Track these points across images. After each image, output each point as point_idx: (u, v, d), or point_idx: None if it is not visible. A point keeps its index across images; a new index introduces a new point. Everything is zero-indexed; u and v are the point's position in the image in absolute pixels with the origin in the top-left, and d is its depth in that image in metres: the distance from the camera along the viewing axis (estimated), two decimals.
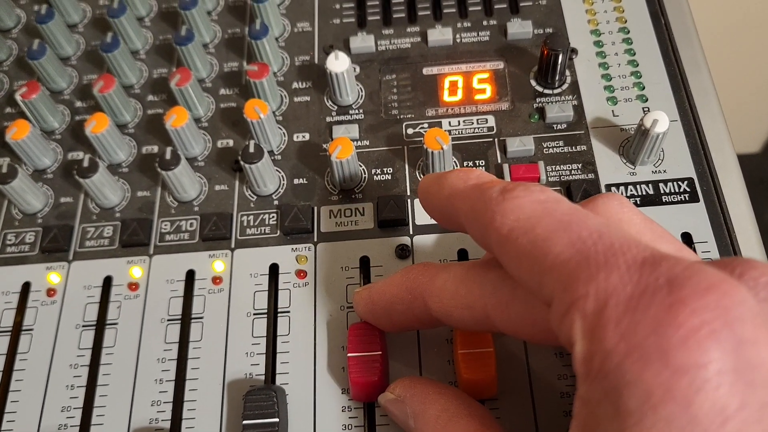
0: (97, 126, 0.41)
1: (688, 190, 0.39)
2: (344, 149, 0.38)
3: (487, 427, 0.28)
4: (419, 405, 0.30)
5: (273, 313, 0.37)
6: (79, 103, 0.46)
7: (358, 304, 0.34)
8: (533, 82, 0.43)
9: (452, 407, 0.29)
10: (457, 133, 0.42)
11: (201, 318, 0.37)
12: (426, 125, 0.42)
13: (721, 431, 0.18)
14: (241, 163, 0.39)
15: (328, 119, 0.43)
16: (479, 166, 0.41)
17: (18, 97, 0.42)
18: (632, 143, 0.39)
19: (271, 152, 0.42)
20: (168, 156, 0.39)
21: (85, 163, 0.39)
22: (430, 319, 0.31)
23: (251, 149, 0.39)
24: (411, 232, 0.39)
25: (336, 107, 0.44)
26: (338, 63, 0.41)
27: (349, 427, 0.34)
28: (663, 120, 0.37)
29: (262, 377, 0.36)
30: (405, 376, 0.32)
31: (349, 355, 0.33)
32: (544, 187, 0.26)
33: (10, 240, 0.41)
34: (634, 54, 0.43)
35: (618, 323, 0.20)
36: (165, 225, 0.41)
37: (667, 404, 0.18)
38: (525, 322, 0.27)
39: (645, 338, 0.19)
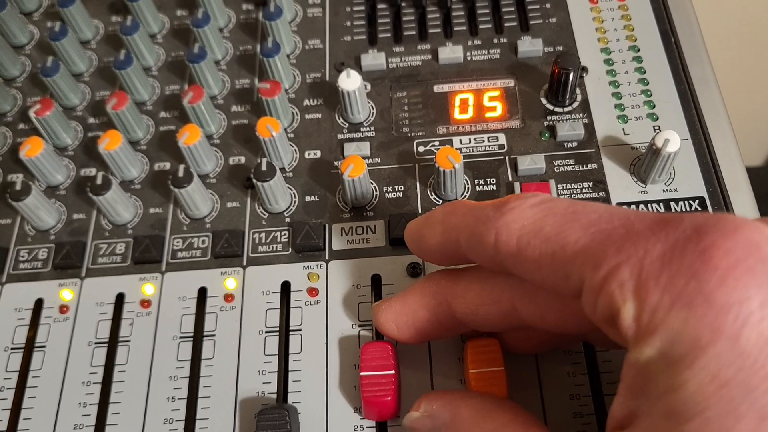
0: (111, 143, 0.41)
1: (699, 209, 0.39)
2: (356, 168, 0.38)
3: (522, 418, 0.28)
4: (449, 412, 0.29)
5: (285, 331, 0.38)
6: (91, 120, 0.46)
7: (379, 316, 0.34)
8: (544, 100, 0.43)
9: (483, 405, 0.29)
10: (467, 150, 0.42)
11: (213, 336, 0.38)
12: (437, 143, 0.43)
13: None
14: (254, 180, 0.39)
15: (340, 136, 0.43)
16: (490, 184, 0.41)
17: (32, 114, 0.42)
18: (643, 162, 0.39)
19: (282, 169, 0.42)
20: (181, 173, 0.39)
21: (99, 181, 0.40)
22: (454, 323, 0.31)
23: (263, 167, 0.39)
24: None
25: (347, 124, 0.44)
26: (350, 81, 0.41)
27: None
28: (674, 139, 0.37)
29: (275, 396, 0.36)
30: (424, 393, 0.32)
31: (361, 374, 0.33)
32: (534, 192, 0.27)
33: (23, 256, 0.41)
34: (645, 72, 0.44)
35: (657, 279, 0.21)
36: (177, 242, 0.41)
37: (716, 342, 0.19)
38: (553, 308, 0.28)
39: (685, 286, 0.20)
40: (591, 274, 0.23)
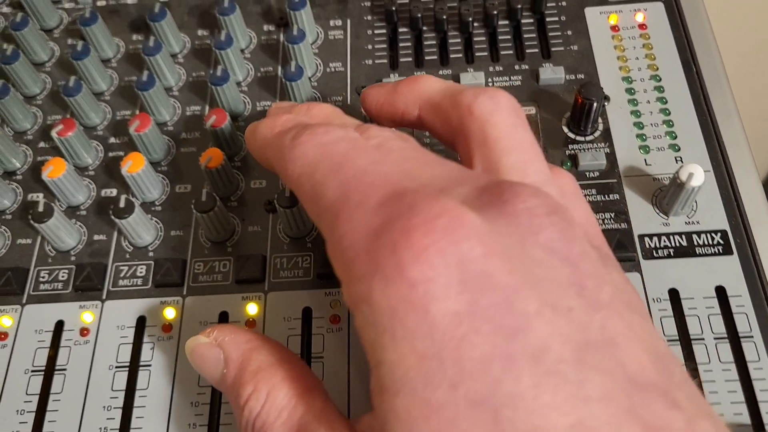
0: (133, 166, 0.41)
1: (721, 242, 0.39)
2: None
3: (307, 376, 0.29)
4: (238, 351, 0.30)
5: (306, 358, 0.38)
6: (112, 139, 0.46)
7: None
8: (565, 129, 0.43)
9: (278, 354, 0.30)
10: None
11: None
12: None
13: (457, 332, 0.21)
14: (277, 206, 0.39)
15: None
16: None
17: (54, 135, 0.42)
18: (666, 194, 0.39)
19: None
20: (204, 198, 0.39)
21: (122, 204, 0.40)
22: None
23: (287, 193, 0.39)
24: None
25: None
26: None
27: None
28: (699, 173, 0.37)
29: None
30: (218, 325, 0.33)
31: None
32: (336, 126, 0.28)
33: (43, 277, 0.41)
34: (666, 102, 0.44)
35: (367, 251, 0.23)
36: (198, 265, 0.41)
37: (410, 315, 0.21)
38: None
39: (385, 260, 0.22)
40: (328, 236, 0.25)
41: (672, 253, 0.39)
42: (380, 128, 0.30)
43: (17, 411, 0.37)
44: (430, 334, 0.21)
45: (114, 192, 0.44)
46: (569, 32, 0.47)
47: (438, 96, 0.33)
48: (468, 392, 0.20)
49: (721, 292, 0.38)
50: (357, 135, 0.28)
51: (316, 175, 0.26)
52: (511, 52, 0.47)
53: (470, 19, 0.47)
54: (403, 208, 0.23)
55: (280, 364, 0.29)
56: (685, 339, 0.36)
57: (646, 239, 0.39)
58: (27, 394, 0.38)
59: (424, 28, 0.48)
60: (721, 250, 0.39)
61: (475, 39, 0.48)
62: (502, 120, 0.30)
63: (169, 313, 0.39)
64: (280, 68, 0.48)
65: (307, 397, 0.28)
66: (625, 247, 0.39)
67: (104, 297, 0.40)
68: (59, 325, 0.40)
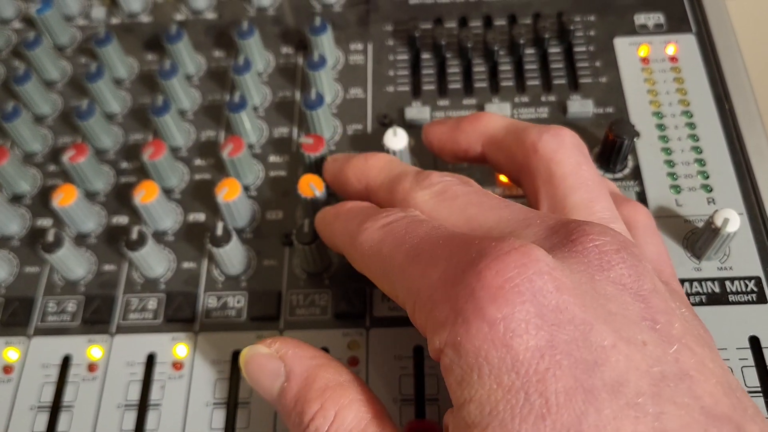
0: (146, 196, 0.40)
1: (755, 290, 0.37)
2: None
3: (374, 404, 0.29)
4: (301, 366, 0.29)
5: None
6: (124, 164, 0.45)
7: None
8: (595, 165, 0.42)
9: (342, 377, 0.29)
10: None
11: (248, 404, 0.36)
12: None
13: (540, 365, 0.22)
14: (295, 242, 0.37)
15: None
16: None
17: (65, 161, 0.41)
18: (699, 238, 0.38)
19: None
20: (219, 232, 0.38)
21: (134, 236, 0.38)
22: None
23: (306, 229, 0.37)
24: None
25: None
26: (396, 140, 0.40)
27: None
28: (734, 219, 0.36)
29: None
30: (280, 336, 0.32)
31: None
32: (396, 210, 0.30)
33: (51, 308, 0.40)
34: (698, 140, 0.42)
35: (445, 300, 0.24)
36: (211, 300, 0.39)
37: (493, 351, 0.22)
38: None
39: (464, 304, 0.23)
40: (405, 297, 0.26)
41: (704, 300, 0.37)
42: (440, 174, 0.31)
43: None
44: (514, 368, 0.22)
45: (125, 219, 0.43)
46: (598, 63, 0.46)
47: (501, 133, 0.34)
48: (555, 424, 0.21)
49: (755, 343, 0.36)
50: (416, 213, 0.30)
51: (383, 251, 0.28)
52: (537, 82, 0.45)
53: (496, 47, 0.45)
54: (473, 253, 0.24)
55: (348, 385, 0.29)
56: None
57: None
58: (33, 431, 0.36)
59: (448, 55, 0.47)
60: (755, 299, 0.37)
61: (501, 68, 0.46)
62: (567, 158, 0.31)
63: (180, 351, 0.38)
64: (298, 93, 0.46)
65: (377, 423, 0.27)
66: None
67: (113, 331, 0.39)
68: (66, 360, 0.38)
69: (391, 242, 0.28)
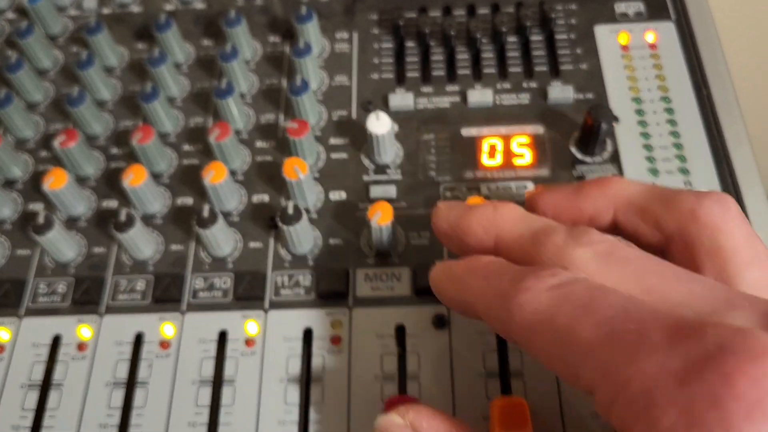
0: (135, 179, 0.40)
1: None
2: (384, 215, 0.38)
3: None
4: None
5: (306, 379, 0.37)
6: (114, 150, 0.45)
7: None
8: (573, 149, 0.43)
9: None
10: (495, 198, 0.42)
11: (233, 382, 0.37)
12: (464, 188, 0.42)
13: None
14: (279, 223, 0.38)
15: (366, 178, 0.43)
16: None
17: (56, 146, 0.42)
18: None
19: (307, 209, 0.42)
20: (206, 214, 0.39)
21: (122, 218, 0.39)
22: None
23: (290, 211, 0.38)
24: None
25: (374, 166, 0.43)
26: (379, 124, 0.41)
27: None
28: None
29: None
30: (410, 402, 0.30)
31: None
32: (554, 268, 0.25)
33: (42, 289, 0.41)
34: (676, 125, 0.43)
35: (673, 401, 0.19)
36: (198, 281, 0.40)
37: None
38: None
39: (705, 413, 0.18)
40: (600, 383, 0.21)
41: None
42: (601, 233, 0.27)
43: (12, 426, 0.37)
44: None
45: (115, 204, 0.43)
46: (578, 50, 0.47)
47: (641, 198, 0.30)
48: None
49: None
50: (584, 276, 0.25)
51: (558, 321, 0.23)
52: (519, 69, 0.46)
53: (478, 35, 0.46)
54: (710, 345, 0.19)
55: None
56: None
57: None
58: (23, 409, 0.37)
59: (432, 43, 0.48)
60: None
61: (483, 55, 0.47)
62: (738, 228, 0.27)
63: (168, 330, 0.39)
64: (284, 80, 0.47)
65: None
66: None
67: (103, 311, 0.40)
68: (56, 340, 0.39)
69: (571, 311, 0.23)
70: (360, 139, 0.44)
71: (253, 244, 0.41)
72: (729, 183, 0.41)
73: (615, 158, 0.42)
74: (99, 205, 0.43)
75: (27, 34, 0.47)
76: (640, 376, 0.20)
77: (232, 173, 0.44)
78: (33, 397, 0.38)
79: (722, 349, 0.19)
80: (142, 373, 0.38)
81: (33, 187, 0.44)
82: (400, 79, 0.47)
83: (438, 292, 0.31)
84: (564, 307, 0.23)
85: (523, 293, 0.24)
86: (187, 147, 0.45)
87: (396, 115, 0.45)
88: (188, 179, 0.44)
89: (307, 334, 0.38)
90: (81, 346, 0.39)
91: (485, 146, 0.43)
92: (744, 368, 0.18)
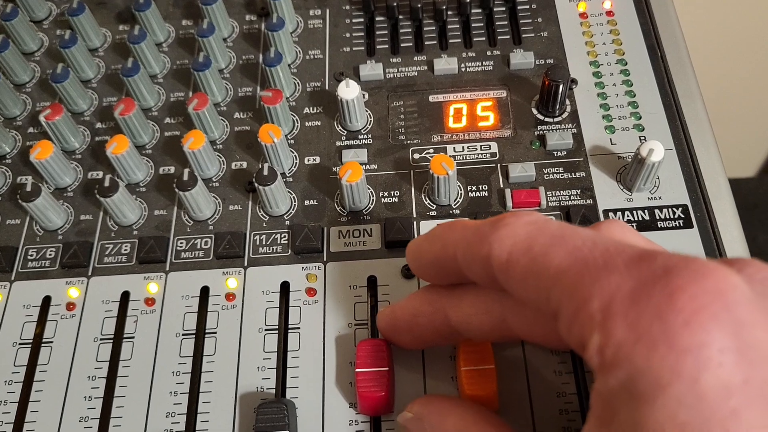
0: (118, 147, 0.43)
1: (682, 216, 0.41)
2: (354, 173, 0.40)
3: (505, 430, 0.29)
4: (437, 418, 0.31)
5: (284, 329, 0.39)
6: (99, 125, 0.48)
7: (381, 321, 0.36)
8: (535, 111, 0.45)
9: (469, 416, 0.30)
10: (461, 158, 0.44)
11: (215, 333, 0.39)
12: (432, 151, 0.44)
13: (727, 405, 0.20)
14: (256, 185, 0.40)
15: (338, 143, 0.45)
16: (482, 190, 0.42)
17: (42, 119, 0.44)
18: (629, 171, 0.41)
19: (283, 174, 0.44)
20: (185, 177, 0.41)
21: (106, 183, 0.41)
22: (449, 330, 0.33)
23: (265, 172, 0.40)
24: None
25: (346, 132, 0.46)
26: (349, 90, 0.43)
27: None
28: (658, 149, 0.39)
29: (273, 391, 0.37)
30: (422, 396, 0.34)
31: (357, 370, 0.35)
32: (530, 212, 0.28)
33: (31, 255, 0.43)
34: (632, 85, 0.45)
35: (625, 315, 0.21)
36: (181, 243, 0.42)
37: (675, 384, 0.20)
38: (539, 324, 0.30)
39: (650, 325, 0.21)
40: (567, 301, 0.24)
41: (635, 227, 0.40)
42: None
43: (5, 381, 0.39)
44: (696, 405, 0.20)
45: (100, 174, 0.45)
46: (540, 19, 0.49)
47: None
48: None
49: None
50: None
51: (535, 248, 0.25)
52: (483, 39, 0.49)
53: (444, 7, 0.48)
54: (658, 269, 0.22)
55: None
56: None
57: (611, 214, 0.41)
58: (15, 365, 0.39)
59: (400, 16, 0.50)
60: (681, 224, 0.40)
61: (449, 27, 0.49)
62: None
63: (152, 288, 0.41)
64: (261, 57, 0.50)
65: None
66: (590, 222, 0.40)
67: (90, 273, 0.42)
68: (46, 301, 0.41)
69: (546, 240, 0.25)
70: (333, 109, 0.47)
71: (232, 207, 0.43)
72: (681, 135, 0.43)
73: (574, 118, 0.45)
74: (86, 177, 0.46)
75: (12, 17, 0.49)
76: (599, 293, 0.22)
77: (212, 143, 0.46)
78: (24, 354, 0.39)
79: (669, 271, 0.22)
80: (128, 328, 0.40)
81: (22, 161, 0.46)
82: (371, 52, 0.49)
83: (416, 256, 0.33)
84: (540, 237, 0.26)
85: (503, 228, 0.27)
86: (168, 120, 0.47)
87: (367, 85, 0.47)
88: (171, 150, 0.46)
89: (284, 287, 0.40)
90: (70, 306, 0.41)
91: (451, 110, 0.46)
92: (685, 286, 0.21)
